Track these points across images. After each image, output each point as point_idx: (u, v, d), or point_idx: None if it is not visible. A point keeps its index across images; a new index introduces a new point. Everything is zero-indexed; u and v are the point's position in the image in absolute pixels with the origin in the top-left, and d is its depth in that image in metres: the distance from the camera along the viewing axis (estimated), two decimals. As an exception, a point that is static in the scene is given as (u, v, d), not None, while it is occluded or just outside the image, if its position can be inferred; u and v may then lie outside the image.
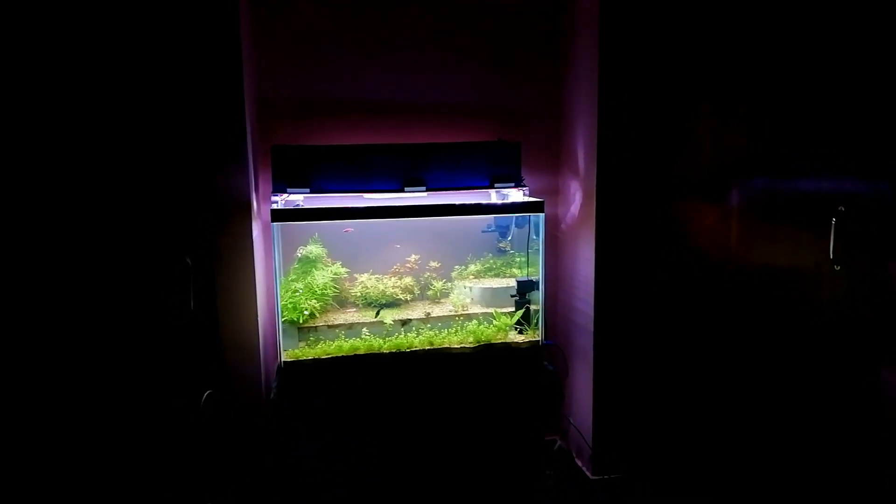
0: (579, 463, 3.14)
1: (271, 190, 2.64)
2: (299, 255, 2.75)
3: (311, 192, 2.62)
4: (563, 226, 3.22)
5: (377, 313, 2.65)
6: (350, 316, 2.69)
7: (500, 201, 2.87)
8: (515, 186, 2.79)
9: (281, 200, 2.62)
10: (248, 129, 2.57)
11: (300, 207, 2.54)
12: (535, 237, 2.78)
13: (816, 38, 1.90)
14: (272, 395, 2.50)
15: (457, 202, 2.61)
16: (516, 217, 2.86)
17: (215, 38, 2.45)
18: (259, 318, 2.63)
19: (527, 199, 2.76)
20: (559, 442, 3.29)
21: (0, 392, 2.27)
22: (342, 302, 2.81)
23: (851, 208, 1.78)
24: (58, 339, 2.36)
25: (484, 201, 2.84)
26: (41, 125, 2.30)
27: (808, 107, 1.95)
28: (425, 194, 2.68)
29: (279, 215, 2.47)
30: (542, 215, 2.66)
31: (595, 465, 3.01)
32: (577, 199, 3.05)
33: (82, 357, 2.39)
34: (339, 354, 2.51)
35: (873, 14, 1.69)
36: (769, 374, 2.17)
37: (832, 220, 1.81)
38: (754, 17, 2.18)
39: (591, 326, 2.95)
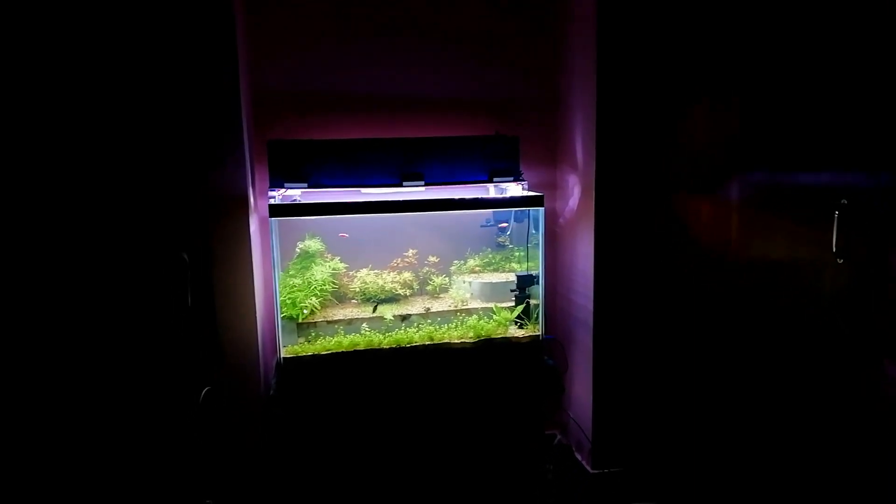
0: (579, 457, 3.14)
1: (268, 185, 2.62)
2: (298, 250, 2.74)
3: (308, 187, 2.60)
4: (561, 220, 3.21)
5: (374, 308, 2.64)
6: (349, 311, 2.68)
7: (498, 195, 2.86)
8: (514, 181, 2.78)
9: (278, 195, 2.60)
10: (244, 124, 2.55)
11: (298, 203, 2.52)
12: (534, 231, 2.77)
13: (815, 26, 1.89)
14: (271, 392, 2.48)
15: (455, 197, 2.60)
16: (515, 211, 2.85)
17: (209, 31, 2.42)
18: (257, 314, 2.61)
19: (526, 193, 2.75)
20: (559, 436, 3.28)
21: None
22: (341, 297, 2.79)
23: (853, 200, 1.77)
24: (54, 336, 2.33)
25: (483, 195, 2.84)
26: (33, 119, 2.27)
27: (807, 97, 1.94)
28: (423, 189, 2.67)
29: (277, 210, 2.45)
30: (541, 209, 2.65)
31: (595, 459, 3.01)
32: (575, 194, 3.04)
33: (79, 353, 2.37)
34: (339, 350, 2.49)
35: (875, 2, 1.68)
36: (770, 368, 2.16)
37: (835, 212, 1.80)
38: (753, 6, 2.17)
39: (590, 321, 2.95)
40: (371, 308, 2.66)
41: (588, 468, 3.04)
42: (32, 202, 2.29)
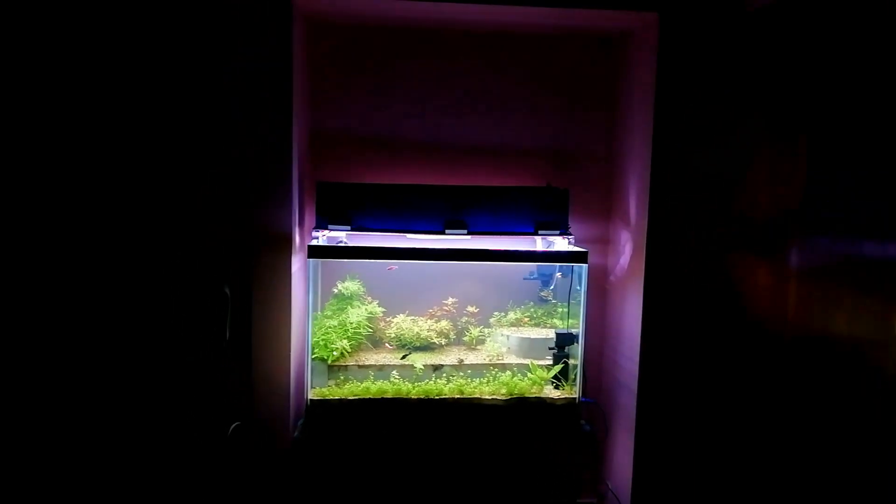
0: (617, 530, 2.94)
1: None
2: (336, 291, 2.74)
3: (351, 230, 2.61)
4: (612, 277, 3.09)
5: (404, 356, 2.60)
6: (381, 357, 2.64)
7: (544, 248, 2.79)
8: (560, 234, 2.70)
9: (322, 236, 2.62)
10: (295, 164, 2.60)
11: (334, 245, 2.54)
12: (577, 288, 2.67)
13: (884, 86, 1.75)
14: (296, 434, 2.46)
15: (498, 247, 2.54)
16: (560, 266, 2.76)
17: (267, 75, 2.50)
18: (292, 353, 2.62)
19: (571, 247, 2.66)
20: (596, 506, 3.09)
21: (29, 419, 2.33)
22: (376, 342, 2.76)
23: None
24: (93, 360, 2.41)
25: (527, 248, 2.77)
26: (92, 149, 2.40)
27: (874, 159, 1.79)
28: (467, 237, 2.63)
29: (315, 251, 2.47)
30: (585, 266, 2.56)
31: (633, 534, 2.81)
32: (626, 250, 2.92)
33: (115, 379, 2.43)
34: (366, 396, 2.45)
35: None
36: (823, 451, 1.96)
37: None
38: (822, 59, 2.04)
39: (634, 386, 2.79)
40: (402, 355, 2.62)
41: (625, 544, 2.83)
42: (85, 229, 2.40)
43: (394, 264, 2.78)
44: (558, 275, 2.84)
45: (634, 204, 2.84)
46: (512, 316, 2.85)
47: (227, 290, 2.56)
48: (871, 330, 1.78)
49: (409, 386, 2.49)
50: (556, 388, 2.59)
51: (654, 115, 2.66)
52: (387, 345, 2.77)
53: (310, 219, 2.88)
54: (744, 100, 2.52)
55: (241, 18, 2.47)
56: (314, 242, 2.51)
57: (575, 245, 2.76)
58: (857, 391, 1.83)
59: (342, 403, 2.45)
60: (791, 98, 2.22)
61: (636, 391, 2.77)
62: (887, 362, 1.73)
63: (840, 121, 1.96)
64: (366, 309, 2.69)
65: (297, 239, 2.66)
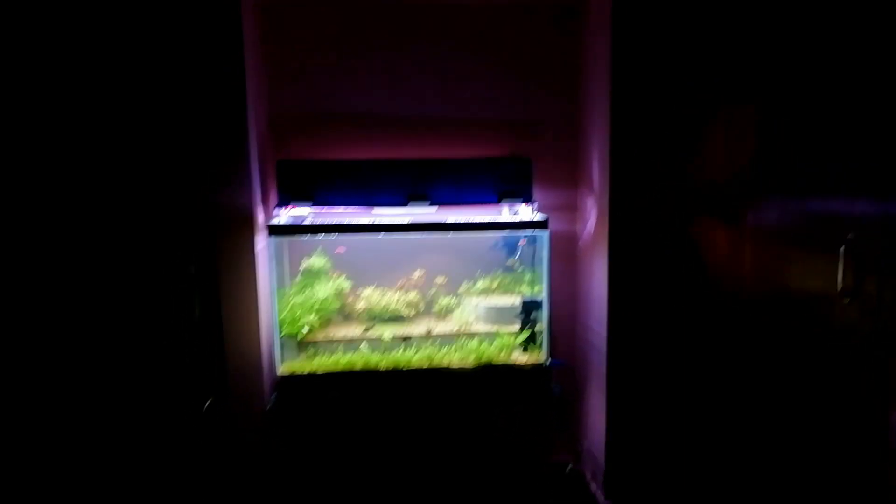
0: (592, 486, 3.02)
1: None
2: (303, 267, 2.76)
3: (314, 206, 2.62)
4: (580, 243, 3.11)
5: (367, 329, 2.62)
6: (349, 330, 2.67)
7: (510, 217, 2.80)
8: (524, 202, 2.71)
9: (284, 214, 2.63)
10: (255, 142, 2.60)
11: (294, 224, 2.54)
12: (542, 256, 2.69)
13: (830, 52, 1.75)
14: (267, 407, 2.50)
15: (461, 218, 2.56)
16: (525, 234, 2.78)
17: (219, 56, 2.48)
18: (262, 330, 2.65)
19: (535, 216, 2.68)
20: (571, 465, 3.17)
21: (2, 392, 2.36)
22: (346, 316, 2.79)
23: (862, 233, 1.62)
24: (60, 343, 2.43)
25: (492, 217, 2.78)
26: (44, 131, 2.39)
27: (821, 121, 1.80)
28: (431, 209, 2.64)
29: (275, 230, 2.47)
30: (546, 233, 2.57)
31: (607, 488, 2.88)
32: (592, 216, 2.93)
33: (85, 361, 2.46)
34: (336, 370, 2.49)
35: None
36: (781, 403, 2.02)
37: (840, 248, 1.66)
38: (770, 28, 2.04)
39: (604, 347, 2.83)
40: (376, 327, 2.65)
41: (601, 498, 2.91)
42: (44, 212, 2.40)
43: (353, 248, 2.80)
44: (523, 242, 2.86)
45: (597, 171, 2.85)
46: (481, 285, 2.87)
47: (193, 270, 2.57)
48: (818, 286, 1.82)
49: (378, 357, 2.53)
50: (525, 352, 2.63)
51: (611, 83, 2.65)
52: (358, 318, 2.80)
53: (274, 197, 2.88)
54: (697, 66, 2.52)
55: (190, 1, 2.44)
56: (275, 221, 2.52)
57: (540, 213, 2.77)
58: (808, 346, 1.87)
59: (312, 377, 2.48)
60: (742, 63, 2.22)
61: (606, 352, 2.82)
62: (831, 322, 1.76)
63: (789, 84, 1.96)
64: (333, 284, 2.71)
65: (260, 217, 2.67)
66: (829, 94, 1.78)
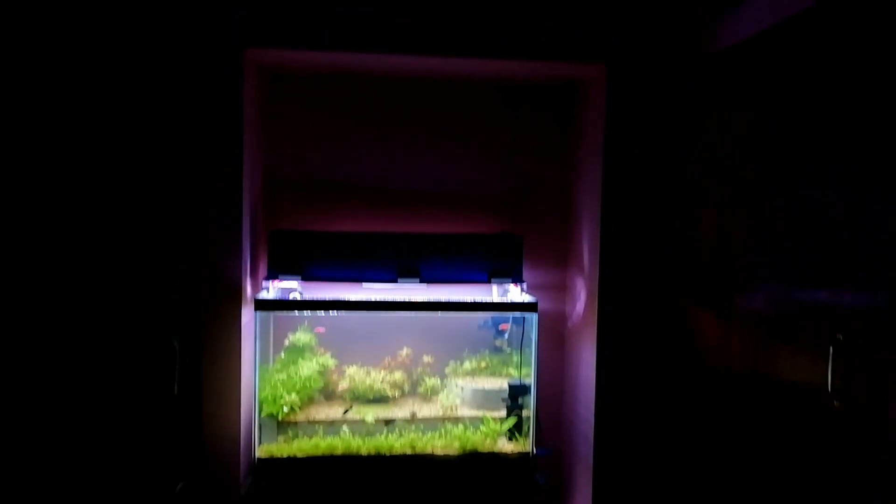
0: (579, 585, 2.88)
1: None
2: (287, 343, 2.70)
3: (302, 280, 2.59)
4: (569, 324, 3.08)
5: (346, 411, 2.55)
6: (331, 412, 2.59)
7: (499, 296, 2.77)
8: (513, 282, 2.69)
9: (273, 287, 2.59)
10: (247, 213, 2.58)
11: (282, 299, 2.50)
12: (530, 337, 2.65)
13: (823, 136, 1.78)
14: (242, 492, 2.40)
15: (452, 296, 2.53)
16: (513, 315, 2.75)
17: (218, 119, 2.49)
18: (242, 408, 2.56)
19: (524, 296, 2.66)
20: (558, 559, 3.03)
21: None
22: (329, 395, 2.72)
23: (850, 329, 1.60)
24: (41, 417, 2.33)
25: (481, 295, 2.76)
26: (40, 207, 2.36)
27: (807, 209, 1.82)
28: (420, 286, 2.61)
29: (263, 304, 2.43)
30: (535, 315, 2.54)
31: (594, 588, 2.75)
32: (581, 297, 2.92)
33: (61, 433, 2.36)
34: (316, 454, 2.40)
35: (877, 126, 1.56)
36: (770, 495, 1.95)
37: (829, 347, 1.63)
38: (765, 111, 2.08)
39: (591, 434, 2.76)
40: (361, 409, 2.57)
41: None
42: (31, 284, 2.35)
43: (337, 326, 2.75)
44: (504, 326, 2.82)
45: (588, 251, 2.85)
46: (468, 365, 2.82)
47: (176, 344, 2.51)
48: (806, 380, 1.79)
49: (360, 441, 2.44)
50: (510, 440, 2.55)
51: (603, 162, 2.68)
52: (341, 398, 2.72)
53: (263, 267, 2.85)
54: (688, 148, 2.56)
55: (191, 69, 2.47)
56: (262, 295, 2.48)
57: (529, 293, 2.75)
58: (797, 442, 1.83)
59: (291, 461, 2.39)
60: (734, 147, 2.25)
61: (593, 440, 2.74)
62: (822, 419, 1.72)
63: (781, 170, 1.99)
64: (317, 361, 2.64)
65: (248, 289, 2.63)
66: (817, 181, 1.80)
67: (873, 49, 1.61)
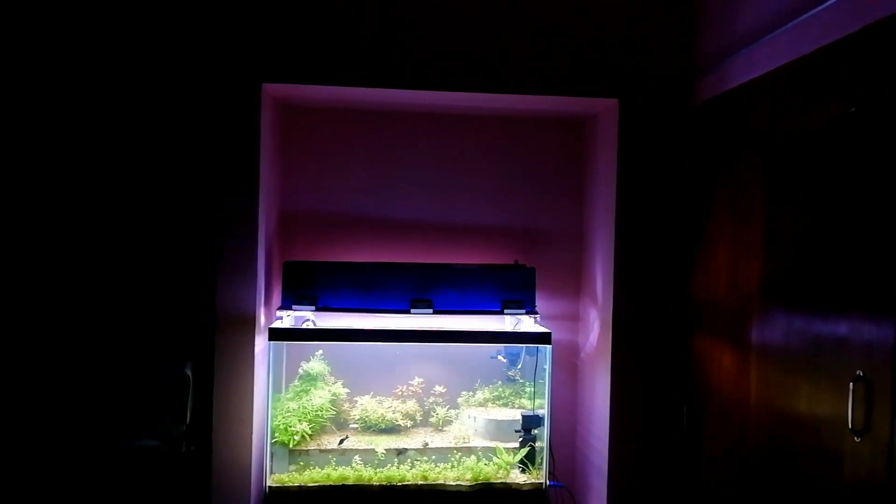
0: None
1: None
2: (301, 371, 2.71)
3: (315, 310, 2.60)
4: (582, 355, 3.06)
5: (341, 441, 2.53)
6: (345, 441, 2.58)
7: (511, 327, 2.77)
8: (526, 313, 2.69)
9: (286, 316, 2.61)
10: (262, 244, 2.61)
11: (295, 328, 2.52)
12: (544, 368, 2.64)
13: (838, 170, 1.79)
14: (253, 524, 2.38)
15: (465, 326, 2.53)
16: (526, 345, 2.74)
17: (235, 150, 2.54)
18: (254, 437, 2.56)
19: (536, 327, 2.65)
20: None
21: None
22: (341, 424, 2.71)
23: (871, 365, 1.59)
24: (48, 444, 2.35)
25: (494, 325, 2.75)
26: (59, 235, 2.42)
27: (824, 239, 1.81)
28: (432, 316, 2.62)
29: (277, 334, 2.45)
30: (548, 347, 2.54)
31: None
32: (595, 328, 2.91)
33: (74, 464, 2.36)
34: (327, 484, 2.38)
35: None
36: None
37: (849, 383, 1.62)
38: (778, 145, 2.09)
39: (605, 466, 2.72)
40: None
41: None
42: (47, 308, 2.39)
43: (353, 354, 2.76)
44: (523, 356, 2.82)
45: (601, 282, 2.85)
46: (480, 396, 2.80)
47: (189, 372, 2.52)
48: (826, 416, 1.76)
49: (371, 472, 2.42)
50: (523, 472, 2.53)
51: (616, 194, 2.70)
52: (352, 428, 2.71)
53: (278, 296, 2.87)
54: (704, 183, 2.57)
55: (210, 103, 2.54)
56: (276, 324, 2.49)
57: (542, 323, 2.75)
58: (817, 479, 1.79)
59: (302, 491, 2.38)
60: (748, 181, 2.26)
61: (606, 473, 2.70)
62: (842, 457, 1.70)
63: (795, 203, 1.99)
64: (329, 391, 2.64)
65: (262, 319, 2.65)
66: (833, 213, 1.80)
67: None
